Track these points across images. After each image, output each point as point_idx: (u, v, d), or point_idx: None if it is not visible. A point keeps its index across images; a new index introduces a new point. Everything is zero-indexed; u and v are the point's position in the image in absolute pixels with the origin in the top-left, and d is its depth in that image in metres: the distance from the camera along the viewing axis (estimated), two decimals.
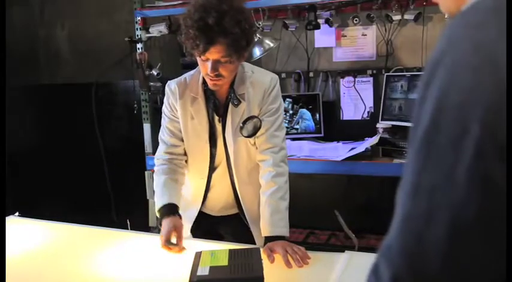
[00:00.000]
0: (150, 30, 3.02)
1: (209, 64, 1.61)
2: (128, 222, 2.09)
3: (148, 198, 3.08)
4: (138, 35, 3.08)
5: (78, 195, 3.66)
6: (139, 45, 3.08)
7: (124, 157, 3.29)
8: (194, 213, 1.92)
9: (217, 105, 1.79)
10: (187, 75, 1.84)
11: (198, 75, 1.79)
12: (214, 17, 1.53)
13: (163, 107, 1.87)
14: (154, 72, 2.90)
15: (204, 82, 1.77)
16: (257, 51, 2.91)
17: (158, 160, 1.88)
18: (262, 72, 1.85)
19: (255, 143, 1.80)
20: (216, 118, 1.80)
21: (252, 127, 1.77)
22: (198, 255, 1.43)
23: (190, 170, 1.90)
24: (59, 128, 3.82)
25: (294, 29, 3.05)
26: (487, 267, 0.53)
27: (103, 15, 3.59)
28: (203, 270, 1.33)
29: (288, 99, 3.05)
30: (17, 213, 2.08)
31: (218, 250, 1.46)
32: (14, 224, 1.98)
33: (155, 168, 1.89)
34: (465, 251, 0.53)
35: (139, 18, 3.06)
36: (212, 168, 1.86)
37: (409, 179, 0.57)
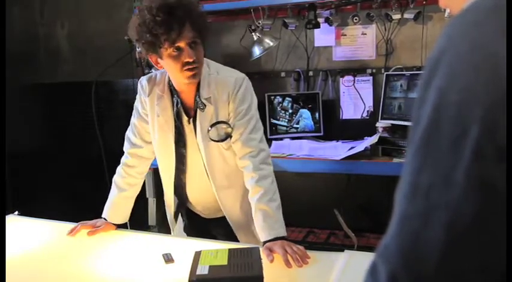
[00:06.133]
0: None
1: (185, 50, 1.60)
2: (128, 221, 2.09)
3: (147, 197, 3.09)
4: None
5: (78, 193, 3.66)
6: None
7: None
8: (171, 215, 1.96)
9: (179, 104, 1.76)
10: (158, 72, 1.82)
11: (166, 73, 1.76)
12: None
13: (136, 103, 1.86)
14: (154, 71, 2.90)
15: (170, 81, 1.75)
16: (257, 50, 2.91)
17: (122, 159, 1.92)
18: (227, 73, 1.77)
19: (229, 147, 1.77)
20: (185, 119, 1.78)
21: (221, 132, 1.75)
22: (197, 254, 1.43)
23: (160, 169, 1.91)
24: (58, 127, 3.82)
25: (293, 28, 3.05)
26: (484, 268, 0.53)
27: (103, 14, 3.59)
28: (203, 269, 1.33)
29: (287, 98, 3.05)
30: (16, 212, 2.08)
31: (218, 249, 1.46)
32: (14, 223, 1.98)
33: (120, 166, 1.93)
34: (462, 251, 0.53)
35: None
36: (181, 169, 1.85)
37: (407, 178, 0.57)
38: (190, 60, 1.60)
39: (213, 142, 1.76)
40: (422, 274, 0.54)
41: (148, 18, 1.56)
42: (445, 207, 0.53)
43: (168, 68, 1.67)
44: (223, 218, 1.88)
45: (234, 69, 1.83)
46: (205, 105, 1.72)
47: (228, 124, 1.75)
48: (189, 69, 1.62)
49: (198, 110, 1.74)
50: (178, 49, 1.59)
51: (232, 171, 1.81)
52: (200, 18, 1.63)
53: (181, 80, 1.68)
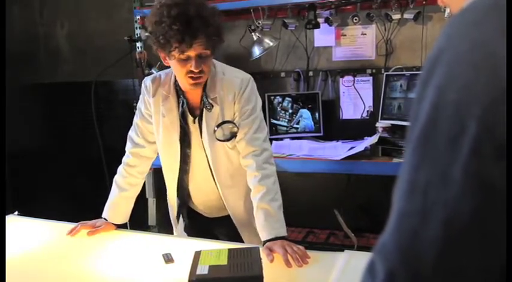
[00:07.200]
0: None
1: (193, 61, 1.61)
2: (127, 221, 2.09)
3: (147, 197, 3.09)
4: (137, 34, 3.08)
5: (78, 193, 3.66)
6: (138, 44, 3.08)
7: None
8: (174, 215, 1.96)
9: (185, 104, 1.77)
10: (163, 72, 1.84)
11: (171, 73, 1.78)
12: (194, 8, 1.56)
13: (139, 103, 1.87)
14: (154, 71, 2.90)
15: (176, 81, 1.76)
16: (256, 51, 2.91)
17: (124, 159, 1.92)
18: (233, 73, 1.79)
19: (234, 147, 1.78)
20: (191, 119, 1.79)
21: (227, 132, 1.76)
22: (197, 254, 1.43)
23: (164, 169, 1.91)
24: (58, 127, 3.82)
25: (293, 28, 3.04)
26: (482, 265, 0.53)
27: (102, 14, 3.59)
28: (202, 269, 1.33)
29: (287, 98, 3.05)
30: (16, 212, 2.08)
31: (218, 249, 1.46)
32: (14, 223, 1.98)
33: (121, 166, 1.93)
34: (460, 248, 0.53)
35: (139, 17, 3.06)
36: (184, 169, 1.85)
37: (405, 176, 0.57)
38: (196, 70, 1.62)
39: (218, 142, 1.77)
40: (420, 271, 0.54)
41: (165, 22, 1.55)
42: (443, 204, 0.53)
43: (174, 68, 1.70)
44: (225, 217, 1.89)
45: (239, 69, 1.84)
46: (212, 106, 1.74)
47: (234, 124, 1.76)
48: (192, 78, 1.65)
49: (205, 110, 1.75)
50: (187, 56, 1.61)
51: (236, 170, 1.82)
52: (215, 33, 1.61)
53: (184, 83, 1.70)
